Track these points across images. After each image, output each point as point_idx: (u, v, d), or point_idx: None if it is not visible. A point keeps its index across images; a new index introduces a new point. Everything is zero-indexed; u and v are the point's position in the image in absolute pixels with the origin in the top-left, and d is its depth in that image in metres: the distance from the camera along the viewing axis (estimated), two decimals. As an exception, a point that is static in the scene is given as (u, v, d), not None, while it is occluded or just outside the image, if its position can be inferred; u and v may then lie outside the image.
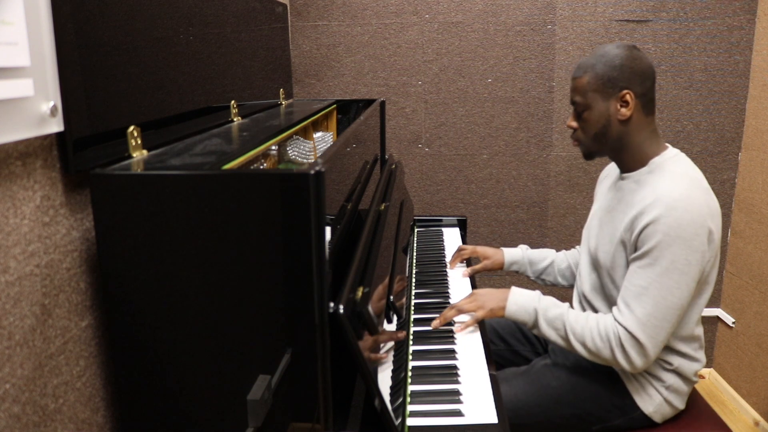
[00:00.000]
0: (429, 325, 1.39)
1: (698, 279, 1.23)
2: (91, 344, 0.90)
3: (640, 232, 1.22)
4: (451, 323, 1.40)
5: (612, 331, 1.24)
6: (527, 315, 1.34)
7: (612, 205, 1.38)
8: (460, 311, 1.38)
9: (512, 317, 1.36)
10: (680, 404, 1.35)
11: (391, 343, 1.14)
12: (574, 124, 1.35)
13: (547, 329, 1.31)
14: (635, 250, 1.25)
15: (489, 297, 1.38)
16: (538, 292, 1.37)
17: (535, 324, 1.33)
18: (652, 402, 1.34)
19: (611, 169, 1.53)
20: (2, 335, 0.72)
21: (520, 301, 1.35)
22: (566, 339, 1.29)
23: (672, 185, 1.21)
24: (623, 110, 1.28)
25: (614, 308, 1.28)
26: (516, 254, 1.75)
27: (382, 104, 1.88)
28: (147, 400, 0.86)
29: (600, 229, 1.39)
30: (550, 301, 1.35)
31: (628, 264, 1.29)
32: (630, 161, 1.34)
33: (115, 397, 0.95)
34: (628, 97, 1.27)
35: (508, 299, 1.36)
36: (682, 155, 1.32)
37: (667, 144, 1.34)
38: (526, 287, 2.58)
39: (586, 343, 1.27)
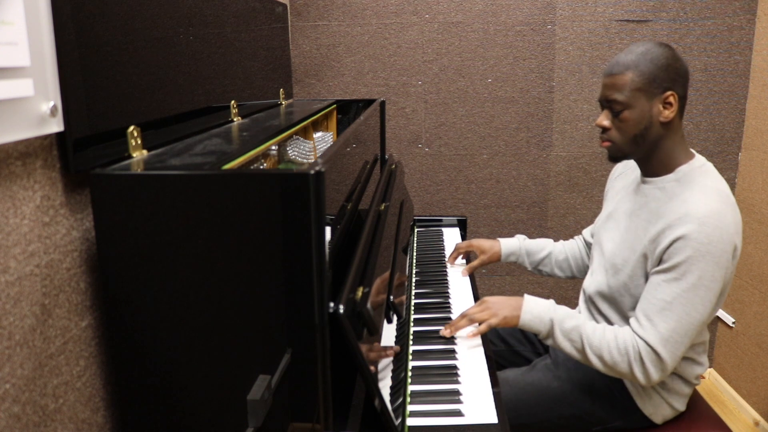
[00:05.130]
0: (429, 325, 1.38)
1: (719, 293, 1.20)
2: (91, 344, 0.90)
3: (668, 245, 1.18)
4: (449, 319, 1.39)
5: (631, 344, 1.20)
6: (542, 325, 1.29)
7: (634, 210, 1.33)
8: (472, 320, 1.33)
9: (526, 327, 1.31)
10: (681, 406, 1.35)
11: (391, 343, 1.14)
12: (608, 123, 1.27)
13: (563, 341, 1.27)
14: (659, 262, 1.21)
15: (502, 305, 1.33)
16: (552, 301, 1.32)
17: (550, 334, 1.29)
18: (653, 403, 1.33)
19: (626, 167, 1.48)
20: (2, 335, 0.71)
21: (536, 311, 1.30)
22: (582, 351, 1.25)
23: (703, 200, 1.17)
24: (666, 112, 1.23)
25: (632, 321, 1.24)
26: (513, 245, 1.72)
27: (382, 104, 1.88)
28: (147, 400, 0.86)
29: (619, 233, 1.35)
30: (566, 311, 1.30)
31: (646, 275, 1.25)
32: (657, 166, 1.29)
33: (115, 397, 0.95)
34: (672, 98, 1.22)
35: (523, 308, 1.31)
36: (710, 165, 1.28)
37: (693, 151, 1.30)
38: (526, 285, 2.57)
39: (603, 356, 1.23)
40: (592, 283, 1.43)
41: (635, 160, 1.34)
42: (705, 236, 1.14)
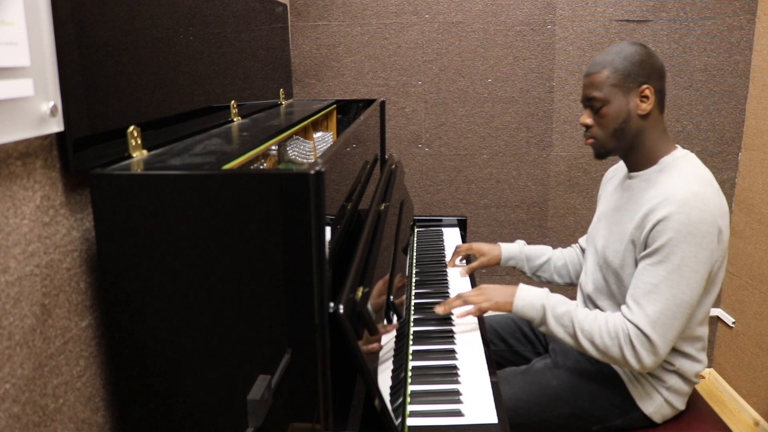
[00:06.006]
0: (429, 326, 1.39)
1: (707, 278, 1.22)
2: (91, 344, 0.90)
3: (651, 229, 1.21)
4: (450, 318, 1.40)
5: (621, 328, 1.23)
6: (535, 311, 1.31)
7: (620, 204, 1.37)
8: (466, 302, 1.36)
9: (519, 313, 1.33)
10: (680, 405, 1.35)
11: (391, 343, 1.14)
12: (590, 121, 1.33)
13: (555, 326, 1.29)
14: (645, 247, 1.24)
15: (496, 291, 1.36)
16: (546, 290, 1.34)
17: (543, 321, 1.31)
18: (653, 402, 1.34)
19: (616, 171, 1.53)
20: (2, 335, 0.72)
21: (528, 298, 1.32)
22: (574, 336, 1.27)
23: (683, 183, 1.21)
24: (643, 105, 1.28)
25: (623, 306, 1.26)
26: (513, 250, 1.74)
27: (382, 104, 1.88)
28: (147, 400, 0.86)
29: (608, 229, 1.38)
30: (559, 298, 1.32)
31: (636, 263, 1.28)
32: (641, 160, 1.34)
33: (115, 397, 0.95)
34: (647, 91, 1.28)
35: (516, 295, 1.34)
36: (692, 155, 1.32)
37: (676, 144, 1.34)
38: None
39: (594, 340, 1.25)
40: (587, 281, 1.45)
41: (620, 157, 1.39)
42: (685, 217, 1.18)
